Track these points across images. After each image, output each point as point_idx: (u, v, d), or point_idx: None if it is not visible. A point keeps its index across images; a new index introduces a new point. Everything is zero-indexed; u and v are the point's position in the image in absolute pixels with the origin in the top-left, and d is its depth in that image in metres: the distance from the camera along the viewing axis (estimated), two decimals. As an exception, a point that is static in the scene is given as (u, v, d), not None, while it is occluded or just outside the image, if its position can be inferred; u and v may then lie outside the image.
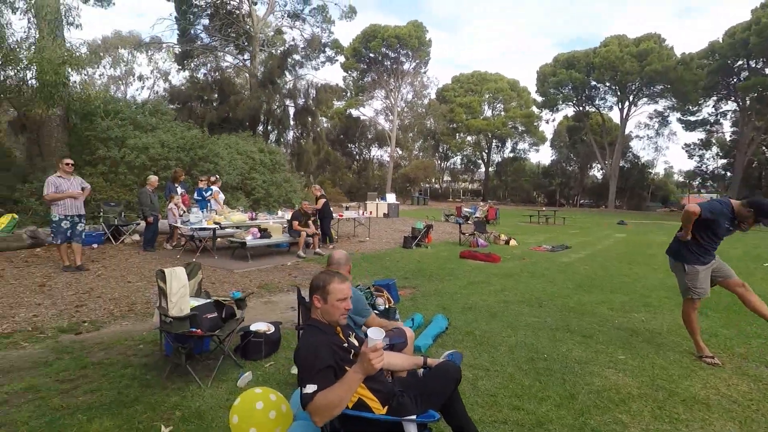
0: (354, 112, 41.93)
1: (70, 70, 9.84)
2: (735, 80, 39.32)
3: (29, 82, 10.20)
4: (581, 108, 48.59)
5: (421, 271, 7.64)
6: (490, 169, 59.00)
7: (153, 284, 6.02)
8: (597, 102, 48.00)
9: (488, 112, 54.97)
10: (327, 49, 27.68)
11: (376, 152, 47.32)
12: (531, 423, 2.73)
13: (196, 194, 9.75)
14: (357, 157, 44.48)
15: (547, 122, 55.23)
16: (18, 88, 10.21)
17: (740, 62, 38.42)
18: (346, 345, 2.10)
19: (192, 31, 23.15)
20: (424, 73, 43.43)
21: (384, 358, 1.86)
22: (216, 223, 8.16)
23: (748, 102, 39.12)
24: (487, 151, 58.27)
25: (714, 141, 48.30)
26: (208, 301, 3.75)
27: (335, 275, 2.16)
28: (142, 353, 3.73)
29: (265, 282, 6.55)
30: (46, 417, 2.66)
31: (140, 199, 8.52)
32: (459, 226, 12.47)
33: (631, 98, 44.96)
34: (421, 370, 2.46)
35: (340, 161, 34.32)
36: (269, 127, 22.40)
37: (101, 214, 9.54)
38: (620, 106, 46.06)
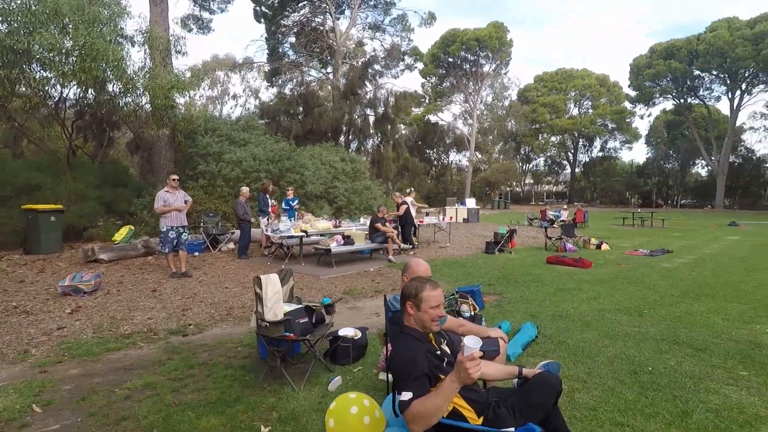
0: (432, 118, 41.93)
1: (177, 94, 11.02)
2: None
3: (144, 107, 11.59)
4: (682, 100, 44.10)
5: (506, 277, 7.42)
6: (577, 169, 55.64)
7: (248, 290, 6.53)
8: (701, 93, 43.26)
9: (574, 111, 52.04)
10: (406, 57, 28.12)
11: (454, 157, 46.86)
12: (638, 440, 2.54)
13: (283, 204, 10.39)
14: (435, 162, 44.35)
15: (642, 118, 51.09)
16: (134, 112, 11.62)
17: None
18: (439, 353, 2.10)
19: (280, 50, 24.82)
20: (505, 74, 42.43)
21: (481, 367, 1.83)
22: (302, 230, 8.62)
23: None
24: (573, 151, 55.11)
25: None
26: (300, 306, 3.93)
27: (427, 282, 2.15)
28: (241, 355, 4.00)
29: (349, 288, 6.77)
30: (161, 412, 2.94)
31: (235, 209, 9.28)
32: (545, 230, 11.91)
33: (743, 86, 39.96)
34: (515, 380, 2.40)
35: (418, 167, 34.49)
36: (350, 137, 23.22)
37: (201, 224, 10.48)
38: (730, 96, 41.10)
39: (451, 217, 13.49)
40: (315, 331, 3.81)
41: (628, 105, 48.58)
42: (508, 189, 48.82)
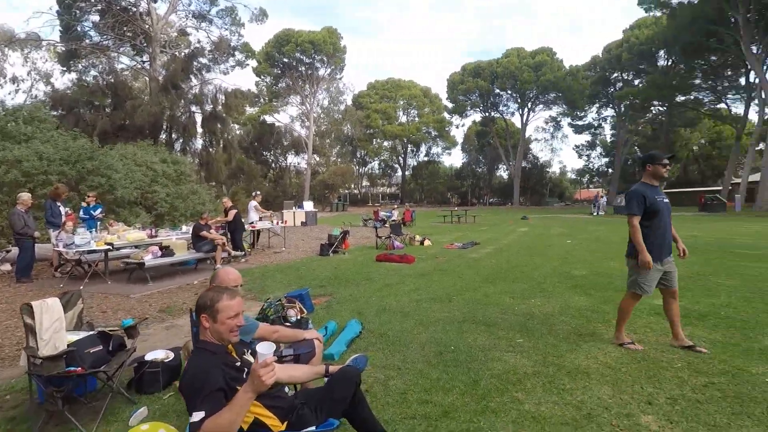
0: (268, 119, 40.89)
1: None
2: (612, 89, 44.95)
3: None
4: (487, 114, 52.10)
5: (338, 278, 7.60)
6: (407, 172, 60.79)
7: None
8: (501, 108, 51.83)
9: (403, 118, 56.72)
10: (237, 53, 26.73)
11: (292, 159, 46.55)
12: (438, 414, 2.82)
13: (82, 212, 8.79)
14: (273, 165, 43.31)
15: (458, 127, 58.61)
16: None
17: (616, 74, 44.11)
18: (239, 364, 2.01)
19: (79, 28, 20.99)
20: (340, 79, 43.84)
21: (277, 372, 1.80)
22: (108, 243, 7.41)
23: (622, 108, 44.75)
24: (403, 155, 60.02)
25: (598, 142, 54.59)
26: (91, 333, 3.36)
27: (224, 291, 2.05)
28: (10, 404, 3.22)
29: (167, 305, 6.08)
30: None
31: (11, 221, 7.45)
32: (375, 230, 12.65)
33: (529, 105, 49.16)
34: (326, 379, 2.44)
35: (254, 170, 33.12)
36: (173, 135, 20.97)
37: (-38, 241, 8.20)
38: (520, 112, 50.20)
39: (285, 221, 13.27)
40: (112, 359, 3.28)
41: (446, 115, 55.19)
42: (346, 191, 50.57)
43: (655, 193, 3.75)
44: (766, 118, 29.91)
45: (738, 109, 38.09)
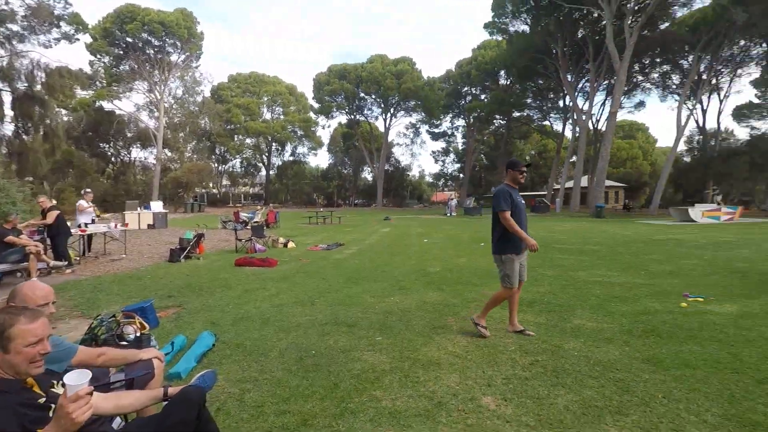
0: (107, 105, 35.53)
1: None
2: (463, 102, 50.09)
3: None
4: (353, 116, 53.38)
5: (190, 286, 6.90)
6: (271, 172, 58.92)
7: None
8: (366, 112, 53.60)
9: (267, 115, 54.83)
10: (63, 24, 22.54)
11: (138, 153, 41.28)
12: (296, 423, 2.71)
13: None
14: (113, 159, 37.83)
15: (324, 128, 58.97)
16: None
17: (466, 88, 49.20)
18: (43, 400, 1.64)
19: None
20: (197, 68, 40.32)
21: (99, 403, 1.50)
22: None
23: (471, 120, 50.24)
24: (267, 154, 57.99)
25: (451, 149, 60.30)
26: None
27: (22, 313, 1.66)
28: None
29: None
30: None
31: None
32: (235, 232, 11.90)
33: (391, 110, 51.80)
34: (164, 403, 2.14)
35: (87, 164, 28.36)
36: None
37: None
38: (384, 117, 52.58)
39: (126, 224, 11.63)
40: None
41: (312, 115, 54.99)
42: (203, 190, 46.83)
43: (515, 194, 4.25)
44: (576, 135, 36.61)
45: (558, 126, 46.19)
